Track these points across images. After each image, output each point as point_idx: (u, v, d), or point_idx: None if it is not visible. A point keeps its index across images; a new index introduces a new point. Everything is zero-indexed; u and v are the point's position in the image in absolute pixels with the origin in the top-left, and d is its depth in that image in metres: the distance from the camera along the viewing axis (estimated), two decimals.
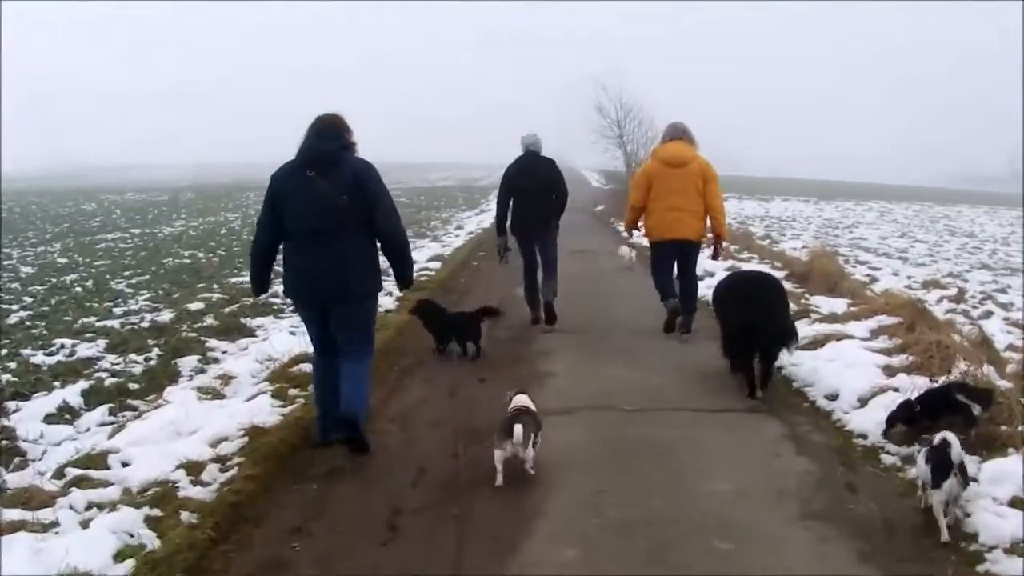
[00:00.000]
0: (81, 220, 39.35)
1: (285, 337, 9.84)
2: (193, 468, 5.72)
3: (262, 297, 8.05)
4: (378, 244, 6.12)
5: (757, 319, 7.69)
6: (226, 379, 8.45)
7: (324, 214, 5.78)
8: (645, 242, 10.90)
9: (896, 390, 7.06)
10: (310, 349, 6.82)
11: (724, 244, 10.71)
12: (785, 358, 8.15)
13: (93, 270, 20.03)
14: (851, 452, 6.17)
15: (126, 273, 19.13)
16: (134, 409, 7.98)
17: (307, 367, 7.84)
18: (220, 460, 5.96)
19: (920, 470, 4.99)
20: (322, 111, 6.13)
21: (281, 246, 6.18)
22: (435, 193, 54.61)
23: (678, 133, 9.75)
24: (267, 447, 6.15)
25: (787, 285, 12.87)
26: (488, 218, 30.96)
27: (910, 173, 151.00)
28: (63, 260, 22.55)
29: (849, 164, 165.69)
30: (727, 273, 11.19)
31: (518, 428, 5.39)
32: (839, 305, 11.41)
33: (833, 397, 7.43)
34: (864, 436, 6.44)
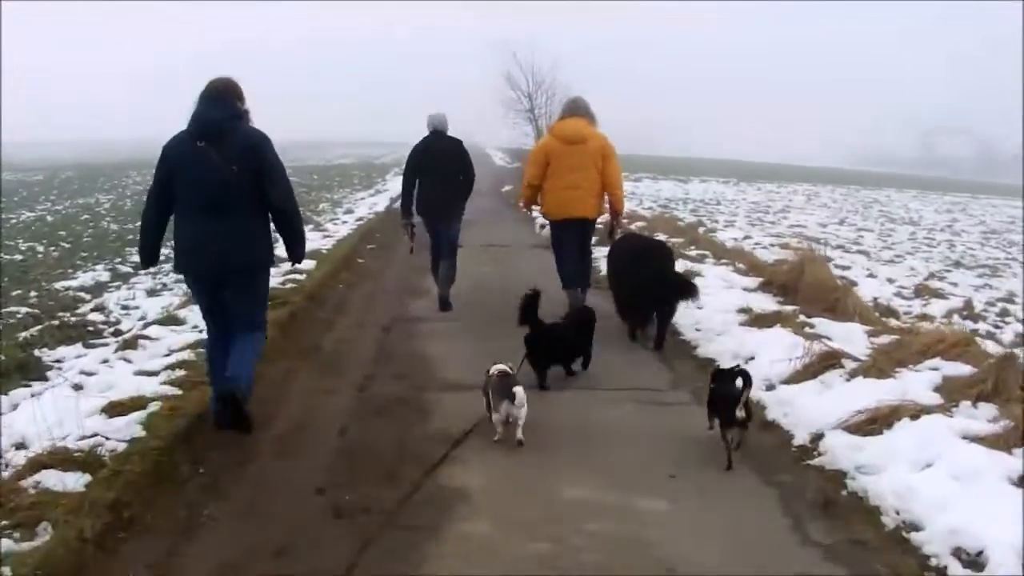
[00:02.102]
0: None
1: (61, 399, 6.10)
2: None
3: (151, 269, 7.92)
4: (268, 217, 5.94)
5: (649, 281, 8.37)
6: None
7: (215, 186, 5.65)
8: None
9: None
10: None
11: (623, 222, 10.73)
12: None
13: None
14: None
15: None
16: None
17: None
18: None
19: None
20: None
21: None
22: (330, 172, 49.94)
23: (577, 109, 9.51)
24: None
25: (767, 298, 10.13)
26: (383, 199, 27.45)
27: (819, 154, 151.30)
28: None
29: (755, 145, 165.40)
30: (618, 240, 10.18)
31: (519, 389, 5.64)
32: (855, 336, 8.19)
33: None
34: None
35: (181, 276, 6.99)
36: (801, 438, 5.81)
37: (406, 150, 10.47)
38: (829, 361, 7.05)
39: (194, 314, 8.74)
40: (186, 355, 7.62)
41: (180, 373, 7.08)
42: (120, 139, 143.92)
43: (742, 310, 9.32)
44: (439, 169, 9.96)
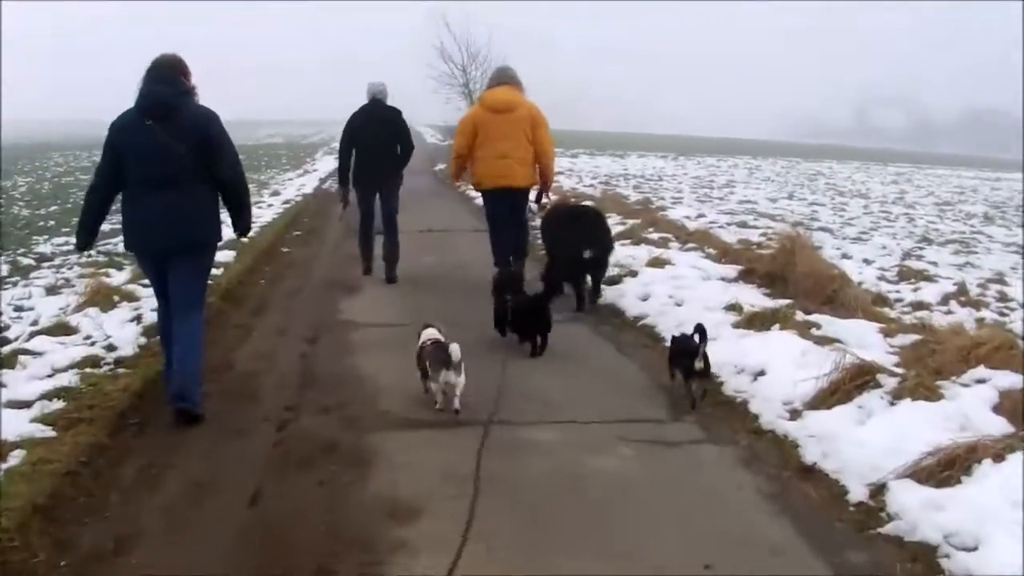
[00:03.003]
0: None
1: None
2: None
3: (86, 253, 7.48)
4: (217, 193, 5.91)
5: (582, 245, 8.51)
6: None
7: (163, 163, 5.57)
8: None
9: None
10: None
11: (551, 192, 10.68)
12: None
13: None
14: None
15: None
16: None
17: None
18: None
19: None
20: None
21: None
22: (257, 152, 47.39)
23: (505, 78, 9.47)
24: None
25: (753, 291, 8.95)
26: (312, 180, 25.68)
27: (752, 127, 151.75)
28: None
29: (688, 119, 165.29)
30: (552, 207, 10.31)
31: (455, 348, 5.53)
32: (869, 337, 7.05)
33: None
34: None
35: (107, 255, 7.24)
36: (857, 492, 4.46)
37: (336, 129, 10.38)
38: (862, 378, 5.73)
39: (88, 320, 7.72)
40: (69, 378, 6.09)
41: (58, 405, 5.60)
42: (39, 118, 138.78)
43: (730, 307, 8.01)
44: (377, 139, 9.77)
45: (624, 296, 8.83)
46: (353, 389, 6.27)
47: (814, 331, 7.18)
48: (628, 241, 11.82)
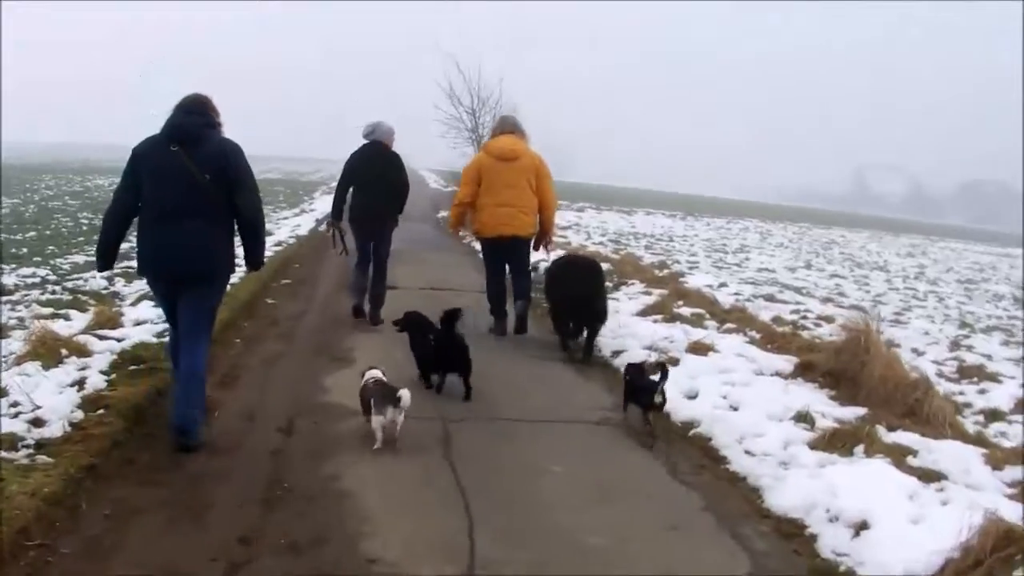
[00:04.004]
0: None
1: None
2: None
3: (106, 273, 7.62)
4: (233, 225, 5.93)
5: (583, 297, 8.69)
6: None
7: (185, 190, 5.61)
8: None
9: None
10: None
11: (552, 241, 10.44)
12: None
13: None
14: None
15: None
16: None
17: None
18: None
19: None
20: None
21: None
22: None
23: (509, 127, 9.62)
24: None
25: (814, 392, 7.65)
26: (308, 220, 24.34)
27: (751, 189, 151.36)
28: None
29: (684, 175, 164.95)
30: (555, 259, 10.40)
31: (405, 393, 5.71)
32: (974, 466, 5.85)
33: None
34: None
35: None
36: None
37: (335, 167, 10.23)
38: (1007, 548, 4.27)
39: (22, 381, 6.35)
40: None
41: None
42: (32, 141, 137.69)
43: (799, 417, 6.60)
44: (374, 179, 9.63)
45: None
46: (332, 515, 4.79)
47: (910, 460, 5.79)
48: (659, 317, 10.43)
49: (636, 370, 6.74)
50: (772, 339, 9.66)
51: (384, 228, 9.86)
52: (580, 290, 8.76)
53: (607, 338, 9.22)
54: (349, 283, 10.33)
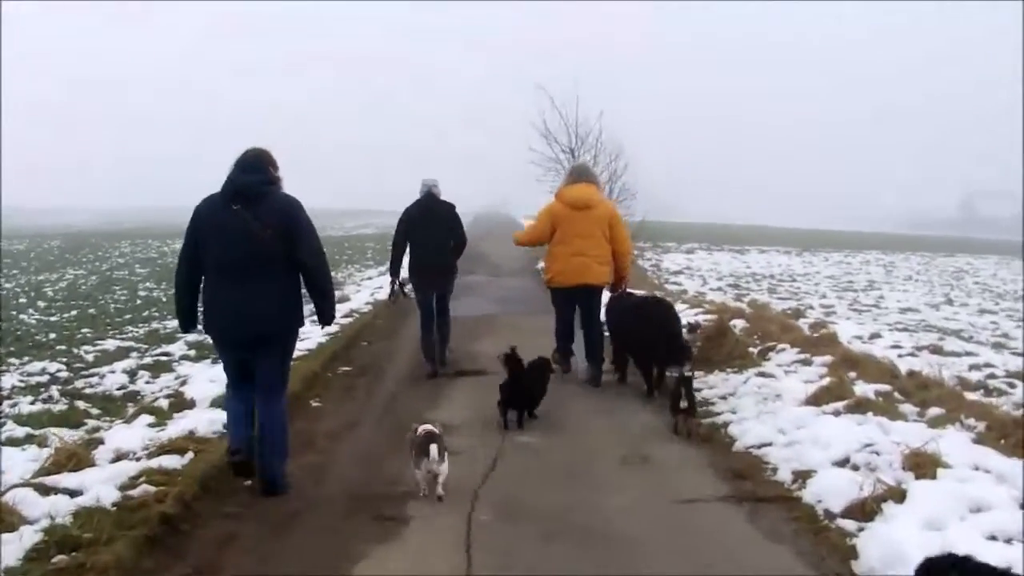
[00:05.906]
0: None
1: None
2: None
3: (191, 334, 7.36)
4: (299, 280, 5.89)
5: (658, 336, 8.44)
6: None
7: (248, 248, 5.55)
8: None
9: None
10: None
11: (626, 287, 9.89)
12: None
13: None
14: None
15: None
16: None
17: None
18: None
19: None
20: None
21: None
22: (342, 244, 44.38)
23: (583, 175, 9.42)
24: None
25: None
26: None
27: (858, 219, 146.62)
28: None
29: (787, 208, 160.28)
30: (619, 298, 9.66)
31: (434, 447, 5.53)
32: None
33: None
34: None
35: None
36: None
37: None
38: None
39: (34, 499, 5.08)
40: None
41: None
42: (120, 207, 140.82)
43: None
44: (432, 232, 9.62)
45: (901, 552, 4.55)
46: None
47: None
48: (840, 405, 7.46)
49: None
50: (1004, 432, 6.84)
51: (445, 278, 9.91)
52: (670, 328, 8.58)
53: (779, 447, 6.56)
54: (421, 346, 9.95)
